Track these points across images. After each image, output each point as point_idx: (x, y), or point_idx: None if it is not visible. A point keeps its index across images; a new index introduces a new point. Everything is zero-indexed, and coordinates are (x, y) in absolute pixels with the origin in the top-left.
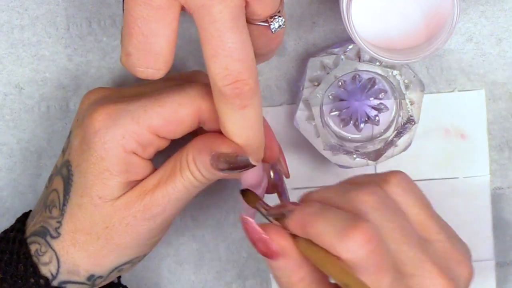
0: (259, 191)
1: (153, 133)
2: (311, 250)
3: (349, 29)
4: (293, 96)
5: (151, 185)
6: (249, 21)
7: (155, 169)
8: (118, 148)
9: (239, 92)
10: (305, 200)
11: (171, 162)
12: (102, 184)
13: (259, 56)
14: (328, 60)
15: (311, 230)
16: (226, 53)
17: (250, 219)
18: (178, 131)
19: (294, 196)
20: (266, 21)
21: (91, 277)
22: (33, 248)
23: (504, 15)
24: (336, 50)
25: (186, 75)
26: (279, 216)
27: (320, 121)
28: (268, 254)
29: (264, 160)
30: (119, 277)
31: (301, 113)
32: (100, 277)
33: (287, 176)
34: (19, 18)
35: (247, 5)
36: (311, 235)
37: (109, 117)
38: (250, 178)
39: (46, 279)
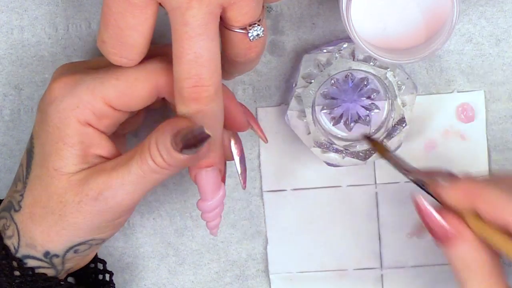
0: (216, 199)
1: (108, 104)
2: (480, 225)
3: (349, 30)
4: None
5: (109, 166)
6: (227, 27)
7: (116, 148)
8: (72, 117)
9: (197, 97)
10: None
11: (137, 147)
12: (57, 155)
13: (239, 64)
14: (322, 57)
15: (481, 198)
16: (191, 57)
17: (424, 200)
18: (133, 105)
19: (294, 196)
20: (245, 28)
21: (47, 254)
22: (1, 223)
23: (504, 16)
24: (330, 48)
25: (157, 48)
26: (423, 180)
27: (311, 118)
28: (444, 239)
29: (232, 128)
30: (104, 264)
31: (292, 110)
32: (56, 255)
33: (265, 141)
34: (18, 19)
35: (226, 11)
36: (480, 204)
37: (66, 87)
38: (207, 184)
39: (8, 249)
